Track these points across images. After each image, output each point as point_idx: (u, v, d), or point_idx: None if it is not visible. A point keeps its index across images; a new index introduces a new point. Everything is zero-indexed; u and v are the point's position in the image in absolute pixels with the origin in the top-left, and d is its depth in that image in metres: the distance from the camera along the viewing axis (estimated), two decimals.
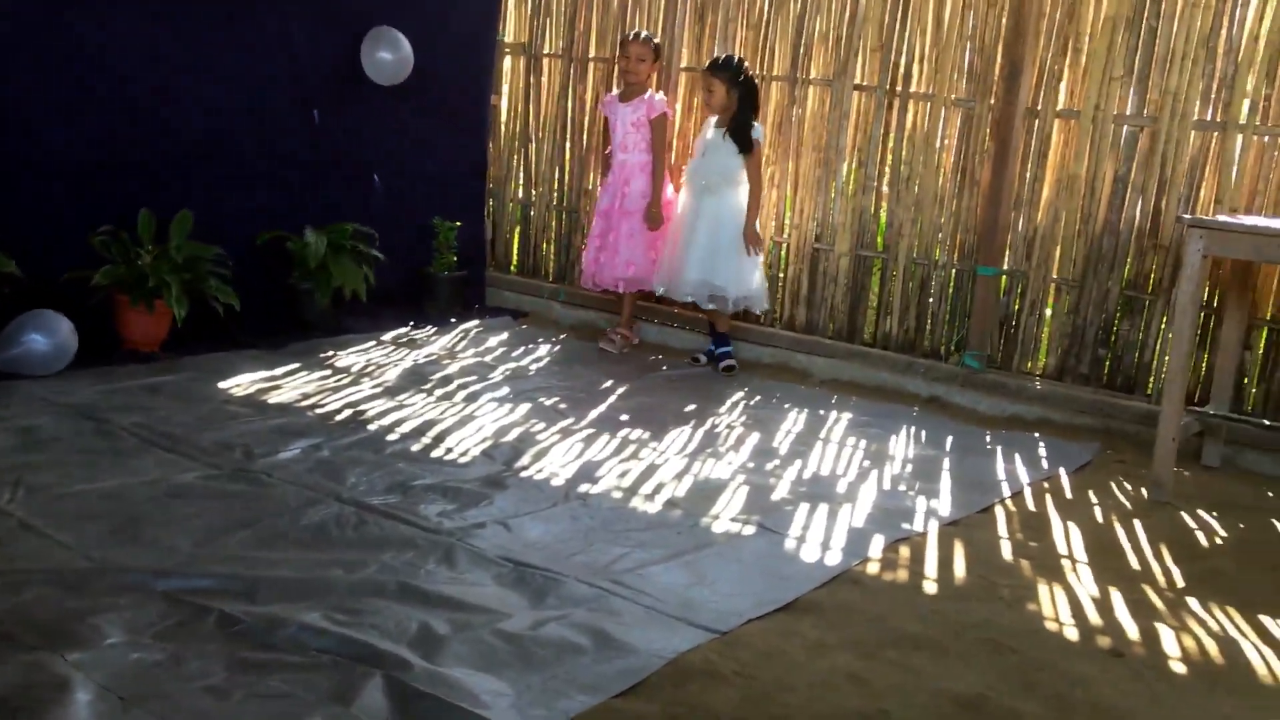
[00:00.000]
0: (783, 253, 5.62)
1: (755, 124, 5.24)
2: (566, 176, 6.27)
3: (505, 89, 6.41)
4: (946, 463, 4.19)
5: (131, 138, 4.72)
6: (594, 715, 2.29)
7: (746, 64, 5.30)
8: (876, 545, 3.31)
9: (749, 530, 3.36)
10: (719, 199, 5.30)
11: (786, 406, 4.81)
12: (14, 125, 4.37)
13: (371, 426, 4.01)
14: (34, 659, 2.26)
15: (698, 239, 5.30)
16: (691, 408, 4.65)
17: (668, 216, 5.49)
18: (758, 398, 4.93)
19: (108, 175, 4.65)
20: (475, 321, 5.86)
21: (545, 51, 6.24)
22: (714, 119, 5.33)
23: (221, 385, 4.31)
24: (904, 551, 3.31)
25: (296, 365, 4.71)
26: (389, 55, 5.47)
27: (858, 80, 5.32)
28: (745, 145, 5.21)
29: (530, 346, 5.51)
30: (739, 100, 5.22)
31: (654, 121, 5.47)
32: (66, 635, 2.37)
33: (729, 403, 4.81)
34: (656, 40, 5.56)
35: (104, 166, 4.64)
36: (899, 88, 5.24)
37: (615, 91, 5.69)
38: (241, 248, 5.00)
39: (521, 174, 6.44)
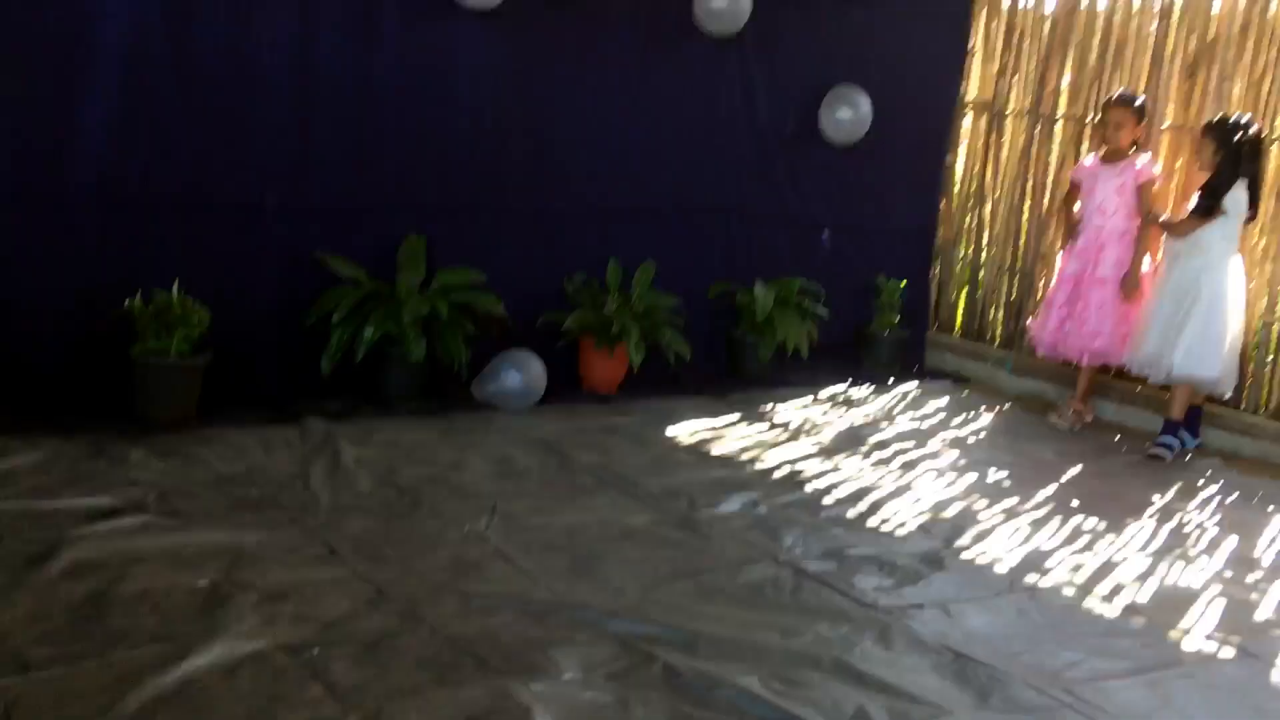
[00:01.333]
0: (1274, 333, 4.99)
1: (1232, 189, 4.69)
2: (1022, 239, 5.97)
3: (962, 147, 6.23)
4: None
5: (600, 191, 5.04)
6: None
7: (1248, 125, 4.74)
8: None
9: (1226, 652, 2.98)
10: (1190, 268, 4.81)
11: (1271, 509, 4.24)
12: (515, 183, 4.82)
13: (808, 487, 4.00)
14: (502, 684, 2.44)
15: (1161, 310, 4.87)
16: (1155, 499, 4.23)
17: (1144, 288, 5.06)
18: (1235, 494, 4.39)
19: (578, 226, 5.01)
20: (914, 384, 5.71)
21: (1009, 109, 5.99)
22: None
23: (668, 431, 4.49)
24: None
25: (737, 416, 4.81)
26: (848, 114, 5.50)
27: None
28: (1201, 207, 4.73)
29: (971, 415, 5.28)
30: (1220, 163, 4.72)
31: (1141, 187, 5.05)
32: (528, 664, 2.54)
33: (1200, 498, 4.32)
34: (1140, 100, 5.13)
35: (573, 216, 4.98)
36: None
37: (1091, 155, 5.33)
38: (690, 296, 5.21)
39: (973, 235, 6.22)
